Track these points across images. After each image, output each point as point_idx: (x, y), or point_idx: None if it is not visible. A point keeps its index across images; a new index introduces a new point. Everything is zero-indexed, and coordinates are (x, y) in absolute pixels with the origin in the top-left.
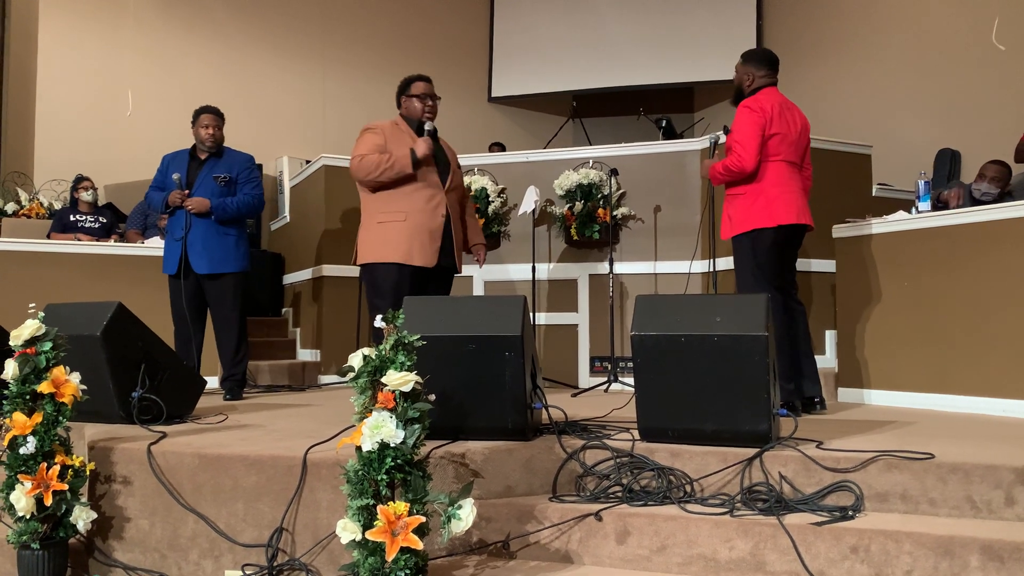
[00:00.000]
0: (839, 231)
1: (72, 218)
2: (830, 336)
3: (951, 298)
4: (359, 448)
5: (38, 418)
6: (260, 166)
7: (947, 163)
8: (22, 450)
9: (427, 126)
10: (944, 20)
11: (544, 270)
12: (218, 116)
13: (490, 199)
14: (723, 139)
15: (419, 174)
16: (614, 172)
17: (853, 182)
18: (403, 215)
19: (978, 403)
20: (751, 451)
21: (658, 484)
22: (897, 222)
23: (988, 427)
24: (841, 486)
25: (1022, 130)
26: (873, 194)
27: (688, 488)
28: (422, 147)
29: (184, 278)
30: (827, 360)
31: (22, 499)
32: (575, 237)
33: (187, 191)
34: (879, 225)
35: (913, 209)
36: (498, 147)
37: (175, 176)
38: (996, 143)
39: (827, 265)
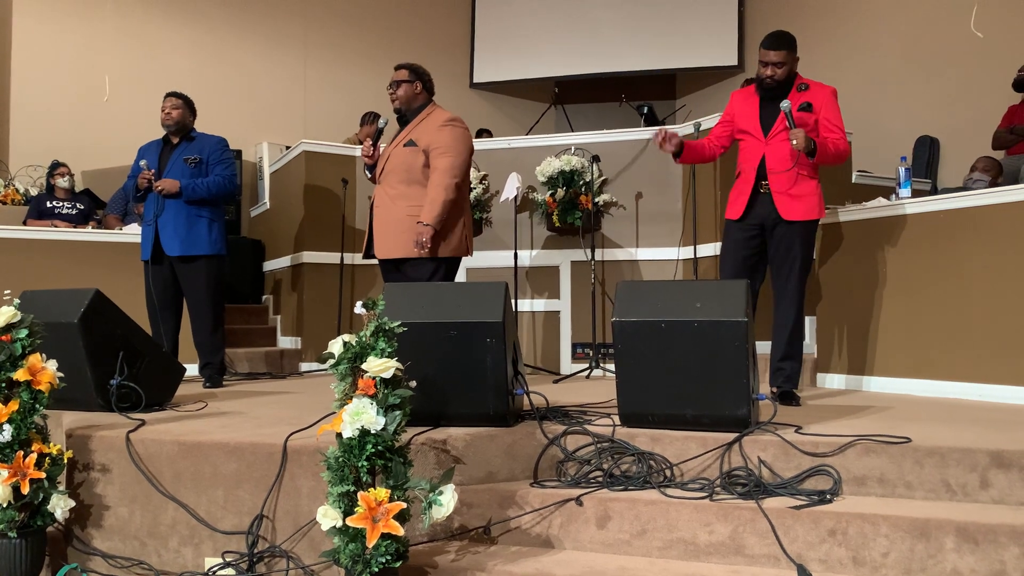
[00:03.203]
0: None
1: (48, 204)
2: (809, 322)
3: (929, 284)
4: (340, 435)
5: (14, 406)
6: (239, 151)
7: (926, 150)
8: None
9: (380, 122)
10: (924, 8)
11: (526, 257)
12: (180, 99)
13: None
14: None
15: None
16: (596, 159)
17: (833, 169)
18: None
19: (955, 388)
20: (731, 436)
21: (639, 469)
22: (876, 209)
23: (964, 411)
24: (819, 470)
25: (1000, 117)
26: (853, 181)
27: (668, 473)
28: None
29: (159, 263)
30: (806, 346)
31: None
32: (557, 224)
33: (153, 171)
34: (859, 212)
35: (893, 196)
36: (487, 133)
37: (142, 162)
38: (975, 131)
39: None
